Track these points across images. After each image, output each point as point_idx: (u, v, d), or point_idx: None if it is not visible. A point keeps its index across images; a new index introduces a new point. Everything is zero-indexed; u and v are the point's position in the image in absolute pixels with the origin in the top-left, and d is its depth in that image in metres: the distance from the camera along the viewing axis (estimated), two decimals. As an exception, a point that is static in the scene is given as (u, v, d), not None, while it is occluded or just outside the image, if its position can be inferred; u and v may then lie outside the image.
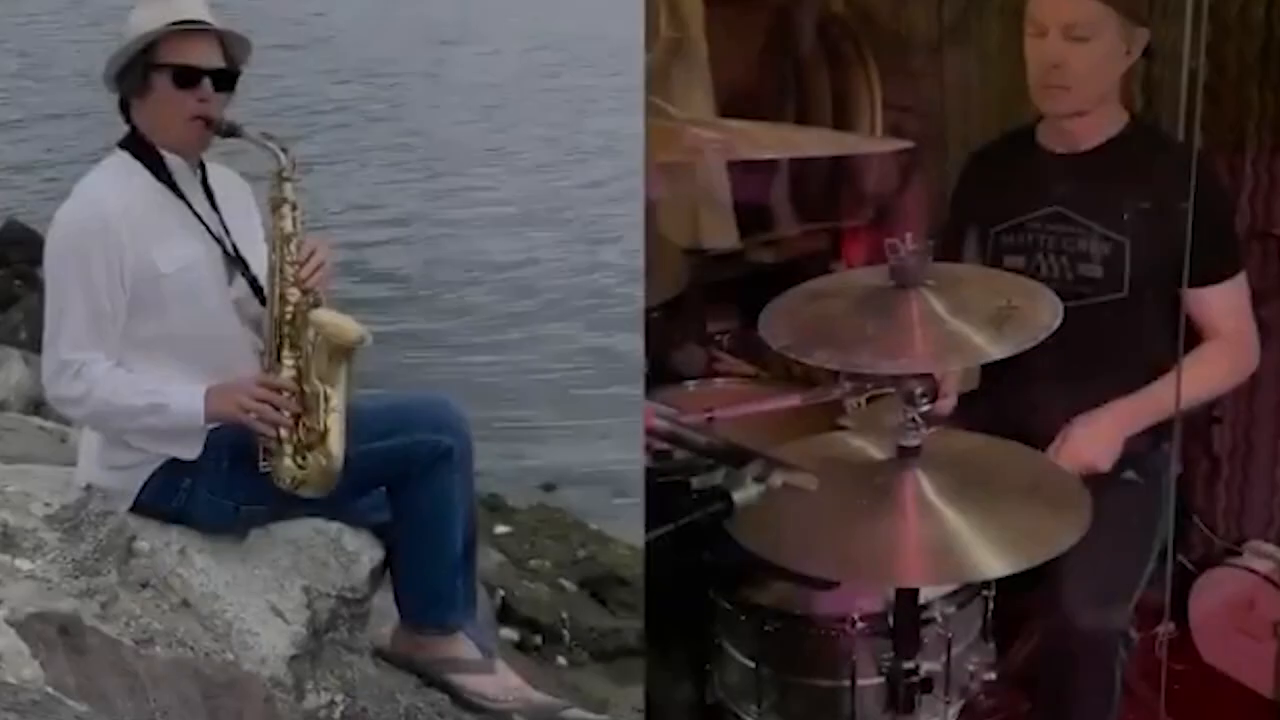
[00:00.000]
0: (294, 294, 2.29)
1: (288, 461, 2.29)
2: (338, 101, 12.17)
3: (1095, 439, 2.30)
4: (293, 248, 2.29)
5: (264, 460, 2.31)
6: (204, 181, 2.38)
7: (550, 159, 10.54)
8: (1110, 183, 2.37)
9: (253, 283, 2.37)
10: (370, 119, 11.66)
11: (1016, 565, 1.75)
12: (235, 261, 2.36)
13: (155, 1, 2.30)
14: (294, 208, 2.31)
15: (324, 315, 2.29)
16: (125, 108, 2.35)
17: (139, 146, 2.33)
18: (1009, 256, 2.45)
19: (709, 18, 3.06)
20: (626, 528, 4.53)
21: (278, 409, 2.26)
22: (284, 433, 2.28)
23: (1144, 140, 2.40)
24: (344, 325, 2.28)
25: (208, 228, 2.34)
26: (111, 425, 2.31)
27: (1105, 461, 2.29)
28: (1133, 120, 2.42)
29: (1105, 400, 2.35)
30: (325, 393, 2.27)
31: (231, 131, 2.31)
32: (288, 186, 2.31)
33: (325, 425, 2.28)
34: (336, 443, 2.28)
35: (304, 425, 2.28)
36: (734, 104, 3.11)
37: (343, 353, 2.28)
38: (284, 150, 2.31)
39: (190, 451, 2.32)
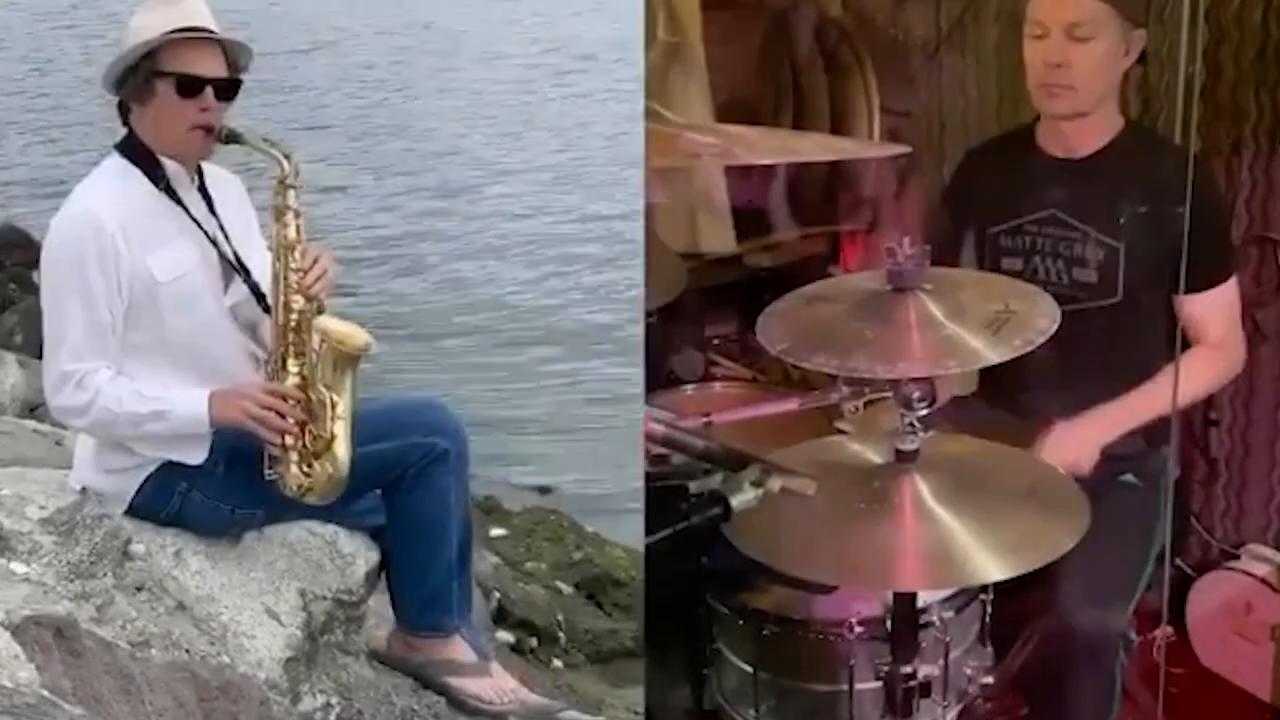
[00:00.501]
0: (298, 301, 2.29)
1: (293, 469, 2.29)
2: (344, 108, 12.18)
3: (1071, 446, 2.28)
4: (296, 255, 2.29)
5: (269, 468, 2.30)
6: (201, 186, 2.38)
7: (556, 166, 10.55)
8: (1107, 188, 2.37)
9: (254, 289, 2.36)
10: (375, 125, 11.66)
11: (1014, 569, 1.75)
12: (234, 267, 2.36)
13: (158, 7, 2.29)
14: (297, 215, 2.30)
15: (329, 323, 2.29)
16: (124, 111, 2.34)
17: (136, 152, 2.32)
18: (1007, 259, 2.45)
19: (707, 22, 3.07)
20: (622, 530, 4.53)
21: (283, 416, 2.26)
22: (289, 440, 2.28)
23: (1140, 144, 2.41)
24: (350, 332, 2.28)
25: (206, 233, 2.34)
26: (115, 433, 2.30)
27: (1085, 465, 2.28)
28: (1128, 124, 2.42)
29: (1099, 404, 2.35)
30: (331, 400, 2.27)
31: (232, 138, 2.30)
32: (291, 194, 2.30)
33: (332, 433, 2.28)
34: (343, 450, 2.29)
35: (310, 433, 2.28)
36: (731, 108, 3.12)
37: (349, 360, 2.27)
38: (287, 157, 2.30)
39: (195, 456, 2.32)
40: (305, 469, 2.29)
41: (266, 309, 2.36)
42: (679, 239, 3.23)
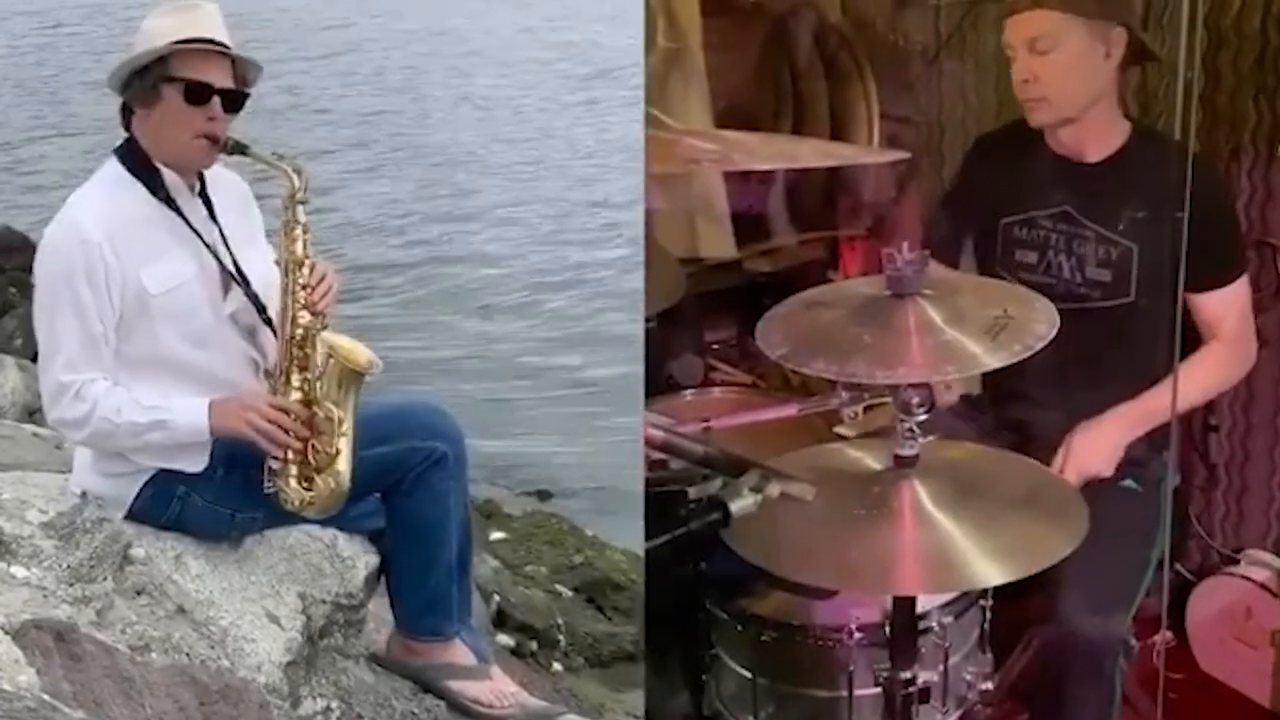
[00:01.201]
0: (305, 317, 2.29)
1: (294, 484, 2.29)
2: (357, 114, 12.20)
3: (1097, 446, 2.32)
4: (304, 271, 2.29)
5: (268, 482, 2.30)
6: (202, 191, 2.36)
7: (559, 170, 10.56)
8: (1119, 192, 2.37)
9: (254, 299, 2.35)
10: (389, 132, 11.68)
11: (1013, 574, 1.75)
12: (233, 278, 2.34)
13: (173, 13, 2.28)
14: (305, 230, 2.30)
15: (335, 338, 2.28)
16: (127, 115, 2.33)
17: (135, 159, 2.31)
18: (1021, 250, 2.47)
19: (706, 28, 3.07)
20: (622, 534, 4.52)
21: (287, 431, 2.26)
22: (291, 455, 2.28)
23: (1150, 149, 2.40)
24: (355, 349, 2.27)
25: (206, 244, 2.32)
26: (115, 444, 2.29)
27: (1108, 468, 2.31)
28: (1135, 130, 2.43)
29: (1109, 403, 2.36)
30: (337, 416, 2.27)
31: (238, 150, 2.29)
32: (300, 209, 2.29)
33: (336, 448, 2.27)
34: (345, 465, 2.28)
35: (314, 448, 2.28)
36: (731, 114, 3.12)
37: (353, 377, 2.27)
38: (297, 172, 2.29)
39: (196, 464, 2.32)
40: (306, 484, 2.29)
41: (266, 320, 2.35)
42: (678, 244, 3.23)
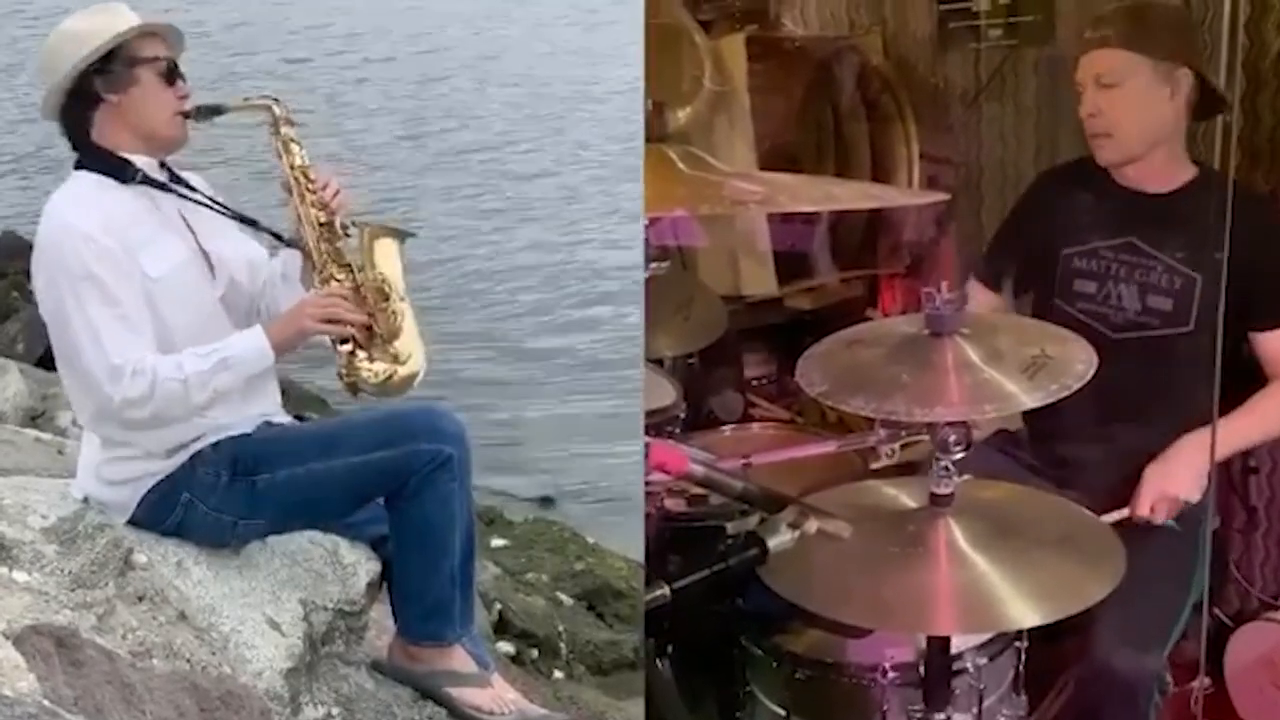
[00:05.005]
0: (322, 215, 2.38)
1: (367, 364, 2.32)
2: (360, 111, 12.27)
3: (1183, 467, 2.32)
4: (308, 176, 2.39)
5: (342, 373, 2.32)
6: (173, 175, 2.41)
7: (560, 174, 10.61)
8: (1185, 223, 2.39)
9: (271, 232, 2.43)
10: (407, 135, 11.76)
11: (1049, 616, 1.75)
12: (244, 220, 2.43)
13: (95, 14, 2.34)
14: (299, 145, 2.40)
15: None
16: (75, 129, 2.35)
17: (103, 162, 2.33)
18: (1080, 280, 2.49)
19: (752, 72, 3.12)
20: (623, 541, 4.49)
21: (348, 303, 2.32)
22: (358, 335, 2.31)
23: (1216, 190, 2.42)
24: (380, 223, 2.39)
25: (207, 205, 2.40)
26: (186, 404, 2.26)
27: (1195, 491, 2.31)
28: (1202, 172, 2.45)
29: (1161, 433, 2.36)
30: (388, 280, 2.34)
31: (216, 111, 2.37)
32: (288, 128, 2.40)
33: (399, 312, 2.33)
34: (412, 334, 2.34)
35: (378, 319, 2.33)
36: (775, 155, 3.17)
37: (390, 238, 2.37)
38: (275, 100, 2.41)
39: (270, 404, 2.40)
40: (382, 361, 2.32)
41: (288, 242, 2.43)
42: (721, 282, 3.27)
